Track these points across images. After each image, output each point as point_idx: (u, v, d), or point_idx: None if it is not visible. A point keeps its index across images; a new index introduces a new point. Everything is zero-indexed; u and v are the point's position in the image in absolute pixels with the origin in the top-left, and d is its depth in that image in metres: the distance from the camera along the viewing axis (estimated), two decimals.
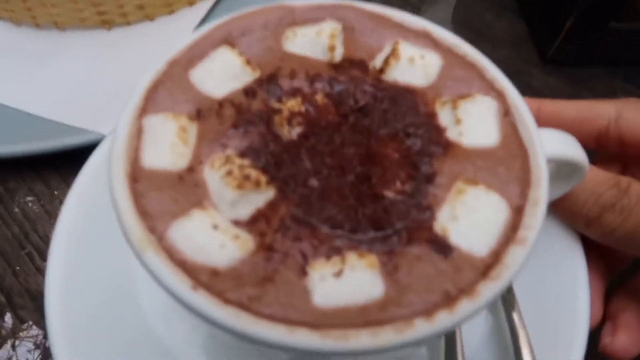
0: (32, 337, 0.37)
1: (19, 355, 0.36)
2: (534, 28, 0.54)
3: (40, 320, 0.37)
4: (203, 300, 0.20)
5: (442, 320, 0.20)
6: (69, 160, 0.41)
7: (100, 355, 0.30)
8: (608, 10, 0.46)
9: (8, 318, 0.37)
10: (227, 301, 0.21)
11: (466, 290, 0.21)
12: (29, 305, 0.37)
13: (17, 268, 0.38)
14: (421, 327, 0.20)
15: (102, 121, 0.42)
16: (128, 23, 0.49)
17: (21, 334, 0.37)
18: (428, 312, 0.20)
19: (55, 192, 0.42)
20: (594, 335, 0.31)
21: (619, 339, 0.30)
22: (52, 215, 0.41)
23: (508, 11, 0.56)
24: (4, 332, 0.37)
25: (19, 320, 0.37)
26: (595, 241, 0.32)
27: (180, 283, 0.21)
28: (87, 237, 0.33)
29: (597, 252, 0.33)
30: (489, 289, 0.21)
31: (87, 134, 0.41)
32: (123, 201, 0.23)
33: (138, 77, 0.45)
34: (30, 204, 0.41)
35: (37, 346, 0.37)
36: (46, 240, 0.40)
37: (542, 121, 0.34)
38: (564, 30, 0.47)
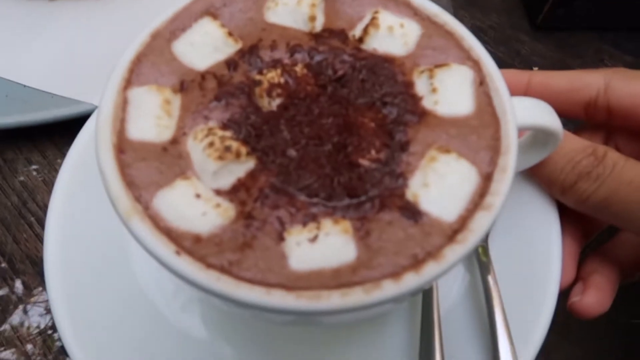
0: (43, 302, 0.39)
1: (31, 320, 0.38)
2: None
3: (42, 284, 0.39)
4: (186, 265, 0.22)
5: (409, 281, 0.22)
6: (63, 130, 0.42)
7: (98, 315, 0.31)
8: None
9: (18, 284, 0.39)
10: (209, 265, 0.22)
11: (433, 253, 0.22)
12: (30, 270, 0.39)
13: (18, 235, 0.40)
14: (389, 288, 0.21)
15: (94, 92, 0.43)
16: None
17: (32, 299, 0.39)
18: (396, 274, 0.22)
19: (52, 162, 0.43)
20: (564, 298, 0.32)
21: (586, 298, 0.31)
22: (49, 184, 0.42)
23: None
24: (15, 297, 0.39)
25: (22, 285, 0.39)
26: None
27: (165, 249, 0.22)
28: (81, 205, 0.35)
29: (573, 217, 0.35)
30: (454, 253, 0.22)
31: (80, 105, 0.42)
32: (110, 172, 0.24)
33: (127, 46, 0.45)
34: (28, 174, 0.43)
35: (48, 311, 0.39)
36: (44, 209, 0.41)
37: (533, 92, 0.34)
38: None
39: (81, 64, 0.45)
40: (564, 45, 0.51)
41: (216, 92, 0.27)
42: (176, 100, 0.27)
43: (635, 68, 0.48)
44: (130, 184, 0.24)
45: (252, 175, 0.25)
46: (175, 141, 0.26)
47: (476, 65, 0.28)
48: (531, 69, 0.49)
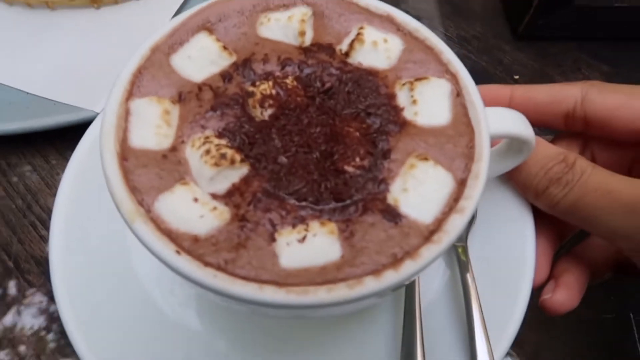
0: (36, 303, 0.40)
1: (24, 321, 0.39)
2: (506, 4, 0.56)
3: (46, 283, 0.41)
4: (185, 263, 0.24)
5: (389, 278, 0.24)
6: (65, 135, 0.44)
7: (101, 311, 0.33)
8: None
9: (12, 285, 0.40)
10: (206, 264, 0.24)
11: (411, 252, 0.24)
12: (35, 270, 0.41)
13: (22, 236, 0.42)
14: (370, 285, 0.24)
15: (95, 99, 0.44)
16: (116, 2, 0.50)
17: (25, 300, 0.40)
18: (377, 271, 0.24)
19: (54, 166, 0.45)
20: (537, 294, 0.35)
21: (557, 295, 0.33)
22: (51, 187, 0.44)
23: None
24: (8, 298, 0.40)
25: (27, 283, 0.40)
26: None
27: (166, 249, 0.24)
28: (84, 208, 0.36)
29: (549, 220, 0.37)
30: (430, 252, 0.24)
31: (81, 112, 0.44)
32: (114, 177, 0.26)
33: (126, 54, 0.48)
34: (31, 177, 0.44)
35: (41, 312, 0.40)
36: (47, 211, 0.43)
37: (515, 105, 0.36)
38: (533, 6, 0.50)
39: (82, 71, 0.47)
40: (544, 55, 0.53)
41: (212, 103, 0.29)
42: (175, 111, 0.29)
43: (611, 76, 0.51)
44: (133, 189, 0.26)
45: (245, 180, 0.27)
46: (174, 149, 0.28)
47: (453, 78, 0.30)
48: (513, 77, 0.52)
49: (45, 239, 0.42)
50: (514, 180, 0.36)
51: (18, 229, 0.42)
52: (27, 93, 0.45)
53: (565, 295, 0.33)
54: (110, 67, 0.46)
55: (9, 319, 0.39)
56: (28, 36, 0.49)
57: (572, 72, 0.52)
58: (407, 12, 0.49)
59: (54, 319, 0.40)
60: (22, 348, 0.38)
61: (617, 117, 0.34)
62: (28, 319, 0.39)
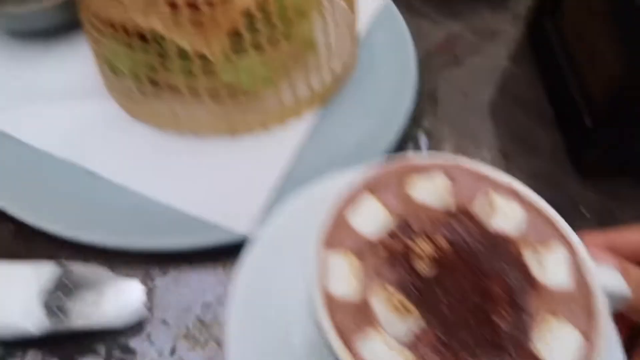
0: None
1: None
2: (569, 142, 0.66)
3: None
4: None
5: None
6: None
7: None
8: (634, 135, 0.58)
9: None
10: None
11: None
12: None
13: (187, 333, 0.50)
14: None
15: (236, 220, 0.53)
16: (250, 132, 0.60)
17: None
18: None
19: (200, 279, 0.53)
20: None
21: None
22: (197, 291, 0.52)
23: (548, 123, 0.68)
24: None
25: None
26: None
27: None
28: (254, 332, 0.44)
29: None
30: None
31: (228, 233, 0.52)
32: (326, 322, 0.34)
33: (259, 178, 0.56)
34: (178, 284, 0.52)
35: None
36: (207, 318, 0.51)
37: (617, 249, 0.43)
38: (596, 147, 0.59)
39: (222, 193, 0.56)
40: (606, 190, 0.62)
41: (386, 259, 0.38)
42: (359, 264, 0.37)
43: None
44: (339, 331, 0.34)
45: (424, 330, 0.35)
46: (362, 298, 0.36)
47: (569, 245, 0.39)
48: (579, 210, 0.61)
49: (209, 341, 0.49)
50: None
51: (181, 324, 0.50)
52: (179, 210, 0.54)
53: None
54: (247, 190, 0.56)
55: None
56: (178, 159, 0.58)
57: (634, 209, 0.61)
58: (484, 148, 0.59)
59: None
60: None
61: None
62: None
